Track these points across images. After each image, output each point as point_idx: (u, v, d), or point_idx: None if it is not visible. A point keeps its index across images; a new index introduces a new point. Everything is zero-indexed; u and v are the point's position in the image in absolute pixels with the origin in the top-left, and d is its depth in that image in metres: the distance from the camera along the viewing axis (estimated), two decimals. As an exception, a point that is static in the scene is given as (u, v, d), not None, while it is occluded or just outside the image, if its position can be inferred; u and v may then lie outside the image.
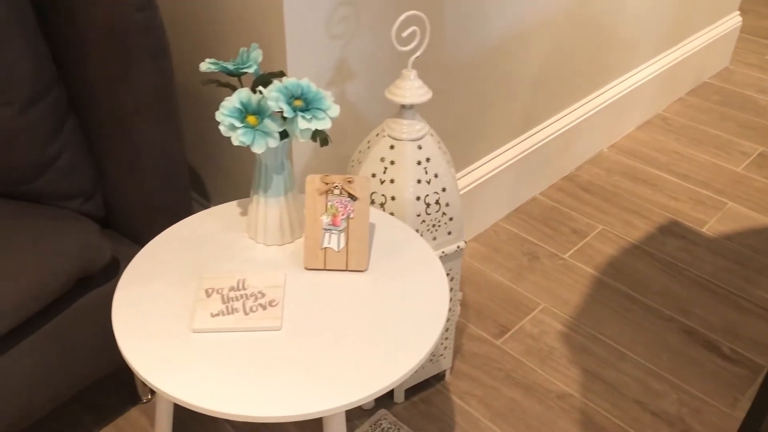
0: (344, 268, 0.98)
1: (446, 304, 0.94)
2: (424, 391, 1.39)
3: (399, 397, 1.37)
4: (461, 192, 1.66)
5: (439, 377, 1.42)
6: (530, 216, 1.87)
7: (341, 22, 1.18)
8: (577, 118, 1.94)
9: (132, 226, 1.19)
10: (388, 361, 0.85)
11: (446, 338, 1.34)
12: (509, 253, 1.74)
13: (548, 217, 1.87)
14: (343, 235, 0.97)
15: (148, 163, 1.10)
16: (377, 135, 1.15)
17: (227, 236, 1.04)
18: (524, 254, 1.74)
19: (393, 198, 1.12)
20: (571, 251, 1.76)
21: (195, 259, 0.99)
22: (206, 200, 1.52)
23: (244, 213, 1.08)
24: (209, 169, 1.45)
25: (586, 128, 1.99)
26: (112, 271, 1.14)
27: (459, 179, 1.66)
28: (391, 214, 1.13)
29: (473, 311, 1.57)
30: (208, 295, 0.92)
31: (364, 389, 0.82)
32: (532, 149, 1.82)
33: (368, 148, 1.16)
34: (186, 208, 1.18)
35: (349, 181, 0.97)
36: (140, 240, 1.19)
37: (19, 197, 1.11)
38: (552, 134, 1.87)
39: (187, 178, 1.15)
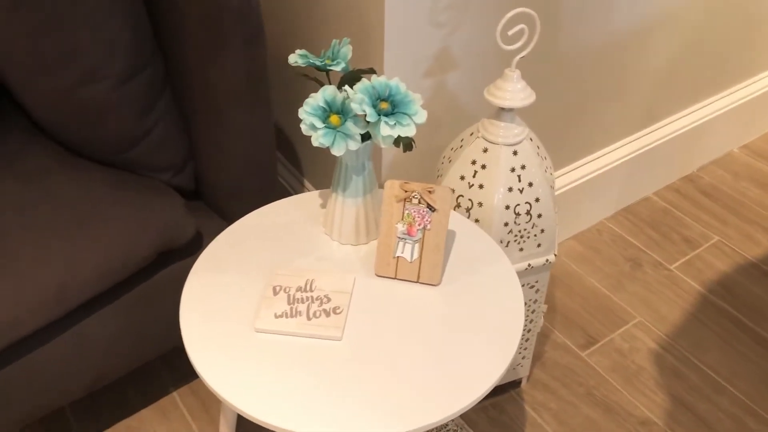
0: (415, 280, 0.94)
1: (518, 334, 0.88)
2: (497, 396, 1.35)
3: (470, 399, 1.33)
4: (568, 187, 1.56)
5: (515, 383, 1.36)
6: (639, 217, 1.75)
7: (447, 9, 1.11)
8: (707, 115, 1.77)
9: (219, 203, 1.19)
10: (451, 387, 0.81)
11: (525, 348, 1.28)
12: (610, 256, 1.64)
13: (658, 221, 1.74)
14: (417, 245, 0.93)
15: (236, 146, 1.09)
16: (471, 134, 1.09)
17: (306, 229, 1.02)
18: (626, 260, 1.63)
19: (480, 204, 1.06)
20: (679, 262, 1.63)
21: (270, 250, 0.98)
22: (300, 173, 1.51)
23: (326, 205, 1.06)
24: (305, 145, 1.43)
25: (715, 125, 1.82)
26: (195, 246, 1.16)
27: (567, 173, 1.57)
28: (476, 220, 1.07)
29: (561, 317, 1.50)
30: (275, 293, 0.91)
31: (422, 417, 0.79)
32: (650, 146, 1.68)
33: (461, 147, 1.10)
34: (272, 191, 1.17)
35: (430, 191, 0.92)
36: (227, 215, 1.20)
37: (113, 166, 1.13)
38: (675, 131, 1.72)
39: (274, 164, 1.14)
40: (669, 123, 1.72)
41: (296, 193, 1.51)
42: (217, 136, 1.09)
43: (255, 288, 0.93)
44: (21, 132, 1.16)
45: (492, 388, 0.84)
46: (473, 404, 0.81)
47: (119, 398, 1.33)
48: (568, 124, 1.48)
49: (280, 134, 1.51)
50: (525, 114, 1.33)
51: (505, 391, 1.35)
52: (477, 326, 0.89)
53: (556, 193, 1.55)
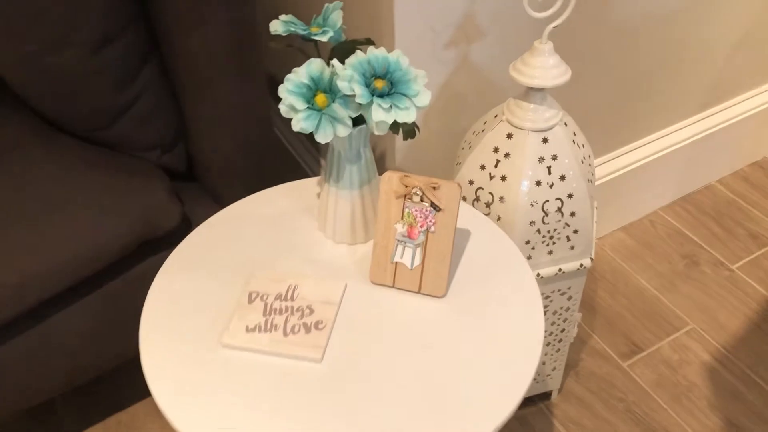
0: (416, 290, 0.79)
1: (535, 362, 0.74)
2: (523, 408, 1.20)
3: (492, 411, 1.19)
4: (619, 172, 1.38)
5: (544, 396, 1.22)
6: (699, 209, 1.55)
7: (474, -33, 0.95)
8: (785, 94, 1.55)
9: (213, 185, 1.07)
10: (453, 425, 0.68)
11: (555, 360, 1.13)
12: (663, 252, 1.46)
13: (722, 213, 1.54)
14: (419, 250, 0.78)
15: (225, 122, 0.96)
16: (495, 117, 0.93)
17: (298, 222, 0.89)
18: (682, 257, 1.45)
19: (502, 199, 0.91)
20: (743, 261, 1.44)
21: (253, 247, 0.85)
22: (317, 151, 1.37)
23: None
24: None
25: (794, 107, 1.60)
26: (184, 233, 1.04)
27: (618, 158, 1.38)
28: (498, 218, 0.92)
29: (602, 319, 1.33)
30: (251, 301, 0.78)
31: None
32: (716, 128, 1.48)
33: (482, 131, 0.94)
34: (269, 174, 1.04)
35: (434, 187, 0.77)
36: (222, 199, 1.08)
37: (96, 143, 1.02)
38: (746, 111, 1.51)
39: (271, 142, 1.01)
40: (737, 103, 1.51)
41: (310, 169, 1.38)
42: (204, 110, 0.96)
43: (230, 292, 0.80)
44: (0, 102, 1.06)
45: (502, 426, 0.70)
46: (471, 450, 0.67)
47: (111, 392, 1.24)
48: (619, 105, 1.30)
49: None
50: (564, 94, 1.15)
51: (532, 403, 1.21)
52: (486, 348, 0.74)
53: (605, 179, 1.37)
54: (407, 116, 0.71)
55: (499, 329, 0.76)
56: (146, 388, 1.23)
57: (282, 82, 0.73)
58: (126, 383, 1.25)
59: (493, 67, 1.06)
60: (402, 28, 0.93)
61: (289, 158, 1.44)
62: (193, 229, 1.04)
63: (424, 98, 0.72)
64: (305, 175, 1.39)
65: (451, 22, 0.97)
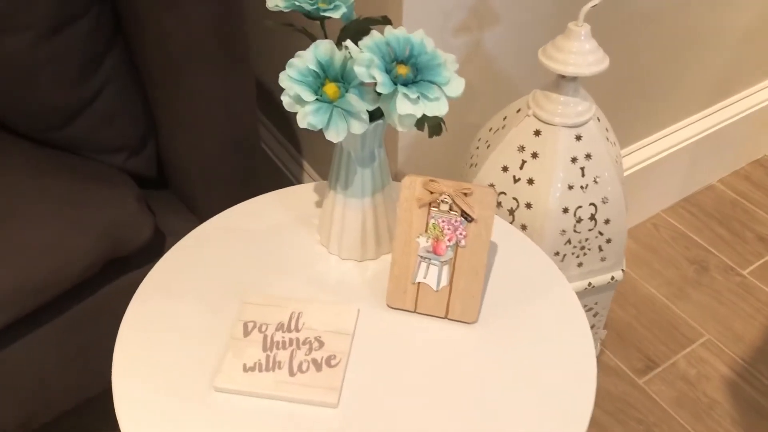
0: (443, 315, 0.67)
1: (591, 398, 0.62)
2: (535, 434, 1.09)
3: None
4: (618, 173, 1.29)
5: (558, 419, 1.11)
6: (702, 210, 1.47)
7: (489, -58, 0.83)
8: (788, 89, 1.48)
9: (188, 193, 0.93)
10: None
11: (575, 381, 1.02)
12: (670, 257, 1.37)
13: (727, 215, 1.46)
14: (446, 269, 0.66)
15: (205, 120, 0.83)
16: (518, 111, 0.82)
17: (295, 236, 0.76)
18: (690, 262, 1.36)
19: (529, 205, 0.80)
20: (754, 266, 1.35)
21: (245, 268, 0.72)
22: (298, 153, 1.24)
23: (322, 204, 0.79)
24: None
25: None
26: (156, 250, 0.90)
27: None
28: (523, 227, 0.81)
29: (612, 332, 1.23)
30: (247, 333, 0.65)
31: None
32: (720, 125, 1.39)
33: (503, 127, 0.82)
34: (253, 180, 0.90)
35: (466, 193, 0.65)
36: (199, 209, 0.94)
37: (50, 146, 0.87)
38: (750, 107, 1.43)
39: (256, 144, 0.87)
40: (741, 99, 1.43)
41: (294, 178, 1.24)
42: (182, 107, 0.83)
43: (221, 323, 0.67)
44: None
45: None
46: None
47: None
48: (622, 101, 1.20)
49: (270, 100, 1.23)
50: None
51: (545, 428, 1.10)
52: (531, 383, 0.62)
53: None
54: (438, 108, 0.59)
55: (543, 360, 0.65)
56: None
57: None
58: (91, 424, 1.09)
59: (506, 57, 0.94)
60: (411, 9, 0.81)
61: (267, 162, 1.30)
62: (167, 244, 0.91)
63: (457, 86, 0.60)
64: (288, 182, 1.26)
65: (463, 3, 0.85)
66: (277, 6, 0.63)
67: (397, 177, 0.96)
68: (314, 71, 0.61)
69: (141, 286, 0.71)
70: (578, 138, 0.78)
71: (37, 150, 0.86)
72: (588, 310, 0.91)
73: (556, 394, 0.62)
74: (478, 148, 0.87)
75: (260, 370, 0.62)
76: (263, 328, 0.65)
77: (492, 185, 0.82)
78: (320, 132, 0.61)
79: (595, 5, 0.72)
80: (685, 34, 1.19)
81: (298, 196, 0.80)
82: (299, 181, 1.23)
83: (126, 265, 0.87)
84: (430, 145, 0.97)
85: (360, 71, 0.58)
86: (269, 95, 1.23)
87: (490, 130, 0.85)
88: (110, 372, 0.90)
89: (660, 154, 1.34)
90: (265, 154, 1.30)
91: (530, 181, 0.79)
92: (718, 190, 1.51)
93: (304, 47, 0.61)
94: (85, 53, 0.79)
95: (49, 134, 0.84)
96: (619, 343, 1.22)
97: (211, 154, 0.87)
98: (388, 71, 0.60)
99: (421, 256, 0.66)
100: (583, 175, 0.78)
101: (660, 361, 1.19)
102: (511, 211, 0.81)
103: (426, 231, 0.66)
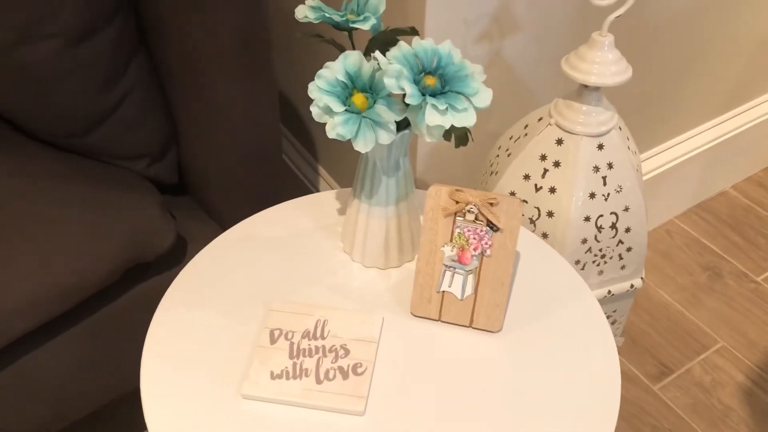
0: (467, 324, 0.68)
1: (616, 407, 0.63)
2: (551, 440, 1.09)
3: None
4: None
5: (573, 425, 1.11)
6: (716, 216, 1.47)
7: (510, -49, 0.84)
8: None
9: (209, 200, 0.94)
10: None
11: (591, 388, 1.02)
12: (683, 264, 1.37)
13: (740, 221, 1.46)
14: (471, 278, 0.66)
15: (227, 128, 0.83)
16: (540, 120, 0.82)
17: (318, 244, 0.76)
18: (703, 268, 1.36)
19: (550, 214, 0.80)
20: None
21: (269, 273, 0.72)
22: (315, 160, 1.24)
23: (345, 213, 0.80)
24: (321, 125, 1.16)
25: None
26: (177, 257, 0.90)
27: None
28: (544, 235, 0.81)
29: (628, 339, 1.23)
30: (273, 340, 0.66)
31: None
32: (735, 132, 1.39)
33: (525, 135, 0.83)
34: (274, 190, 0.91)
35: (491, 203, 0.65)
36: (220, 216, 0.95)
37: (73, 152, 0.88)
38: (762, 115, 1.43)
39: (278, 152, 0.88)
40: (758, 105, 1.43)
41: (311, 185, 1.25)
42: (204, 115, 0.83)
43: (246, 330, 0.67)
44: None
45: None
46: None
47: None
48: (638, 107, 1.20)
49: (287, 107, 1.24)
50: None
51: (560, 434, 1.10)
52: (558, 392, 0.63)
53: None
54: (466, 119, 0.60)
55: (569, 368, 0.65)
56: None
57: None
58: (112, 431, 1.10)
59: (526, 65, 0.95)
60: (433, 19, 0.82)
61: (285, 169, 1.30)
62: (188, 250, 0.91)
63: (485, 97, 0.61)
64: (305, 189, 1.26)
65: (484, 12, 0.86)
66: (306, 17, 0.63)
67: (416, 184, 0.97)
68: (343, 82, 0.61)
69: (167, 293, 0.71)
70: (600, 147, 0.78)
71: (60, 156, 0.86)
72: (606, 317, 0.91)
73: (581, 404, 0.62)
74: (498, 156, 0.87)
75: (287, 378, 0.63)
76: (289, 336, 0.66)
77: (513, 193, 0.82)
78: (336, 139, 0.61)
79: (619, 15, 0.73)
80: (700, 43, 1.19)
81: (321, 204, 0.81)
82: (316, 188, 1.24)
83: (145, 271, 0.88)
84: (449, 153, 0.97)
85: (389, 82, 0.59)
86: (286, 102, 1.23)
87: (511, 138, 0.85)
88: (130, 378, 0.91)
89: (673, 161, 1.34)
90: (282, 161, 1.30)
91: (552, 190, 0.79)
92: (731, 196, 1.52)
93: (323, 58, 0.62)
94: (110, 61, 0.80)
95: (72, 141, 0.85)
96: (634, 349, 1.22)
97: (233, 162, 0.87)
98: (416, 82, 0.60)
99: (446, 265, 0.67)
100: (605, 184, 0.79)
101: (674, 367, 1.20)
102: (533, 220, 0.81)
103: (451, 240, 0.66)
